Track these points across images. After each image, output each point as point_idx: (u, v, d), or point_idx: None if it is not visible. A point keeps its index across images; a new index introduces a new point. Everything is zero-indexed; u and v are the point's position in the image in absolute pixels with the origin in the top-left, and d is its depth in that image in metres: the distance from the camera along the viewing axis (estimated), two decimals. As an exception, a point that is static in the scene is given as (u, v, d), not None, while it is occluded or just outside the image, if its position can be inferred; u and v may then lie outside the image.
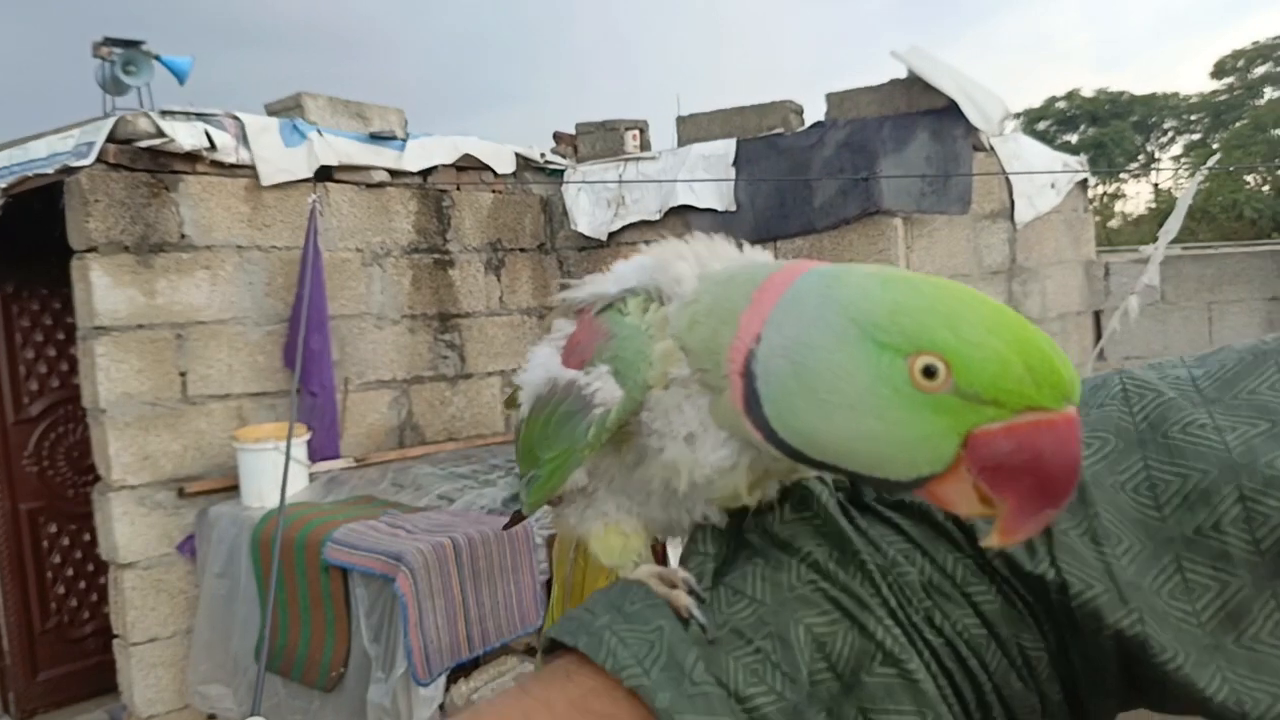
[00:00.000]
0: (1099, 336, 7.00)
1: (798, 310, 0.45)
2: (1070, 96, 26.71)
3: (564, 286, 0.60)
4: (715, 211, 5.03)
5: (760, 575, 0.50)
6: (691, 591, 0.49)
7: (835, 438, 0.45)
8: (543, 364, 0.56)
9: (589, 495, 0.56)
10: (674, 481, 0.51)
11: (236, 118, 4.37)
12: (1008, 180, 5.65)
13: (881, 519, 0.51)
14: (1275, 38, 24.89)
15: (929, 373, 0.42)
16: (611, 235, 5.43)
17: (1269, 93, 24.82)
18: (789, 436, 0.46)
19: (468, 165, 5.26)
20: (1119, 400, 0.52)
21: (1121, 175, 25.96)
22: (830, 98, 5.28)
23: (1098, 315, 7.18)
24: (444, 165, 5.13)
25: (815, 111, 5.39)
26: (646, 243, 0.57)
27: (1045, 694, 0.50)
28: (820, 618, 0.48)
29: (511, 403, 0.62)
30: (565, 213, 5.61)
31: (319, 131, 4.61)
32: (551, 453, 0.53)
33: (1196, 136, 26.45)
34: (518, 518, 0.66)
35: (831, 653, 0.47)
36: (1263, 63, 25.25)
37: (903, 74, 5.04)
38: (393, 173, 4.91)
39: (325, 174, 4.63)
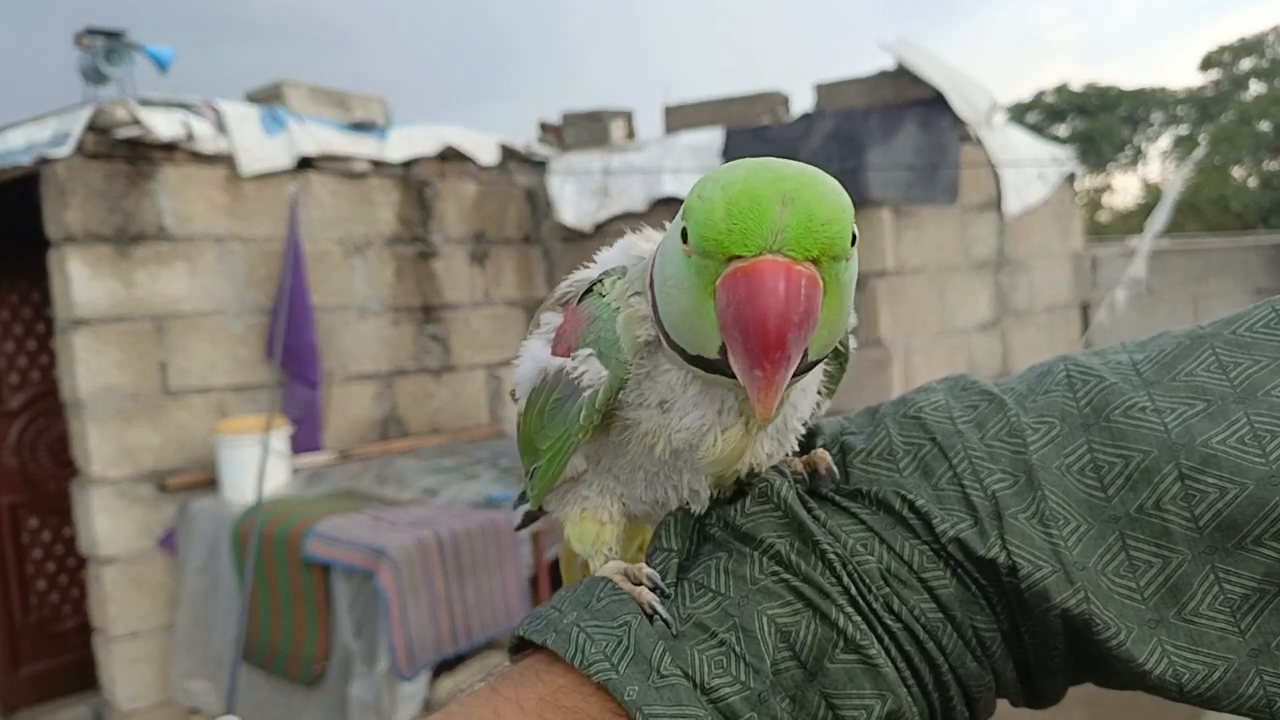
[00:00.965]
0: (1086, 328, 7.01)
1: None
2: (1059, 90, 26.75)
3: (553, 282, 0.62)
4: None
5: (723, 569, 0.51)
6: (655, 588, 0.51)
7: (673, 321, 0.47)
8: (533, 356, 0.56)
9: (578, 478, 0.57)
10: (655, 449, 0.52)
11: (215, 107, 4.32)
12: (995, 172, 5.65)
13: (840, 509, 0.53)
14: (1261, 32, 25.01)
15: (684, 237, 0.45)
16: (598, 226, 5.39)
17: (1255, 86, 24.92)
18: (670, 331, 0.48)
19: (451, 156, 5.22)
20: (1063, 386, 0.53)
21: (1110, 168, 26.06)
22: (818, 89, 5.26)
23: (1085, 307, 7.19)
24: (427, 156, 5.09)
25: (803, 102, 5.37)
26: (634, 231, 0.58)
27: (999, 672, 0.51)
28: (783, 608, 0.50)
29: (514, 396, 0.63)
30: (550, 204, 5.57)
31: (299, 120, 4.56)
32: (548, 441, 0.54)
33: (1184, 130, 26.55)
34: (530, 517, 0.66)
35: (795, 641, 0.49)
36: (1249, 56, 25.36)
37: (891, 65, 5.02)
38: (375, 163, 4.86)
39: (306, 164, 4.59)
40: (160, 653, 4.22)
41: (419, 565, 3.36)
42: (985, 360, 5.66)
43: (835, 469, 0.54)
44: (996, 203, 5.73)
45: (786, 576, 0.50)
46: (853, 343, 0.57)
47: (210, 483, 4.19)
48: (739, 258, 0.43)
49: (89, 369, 3.95)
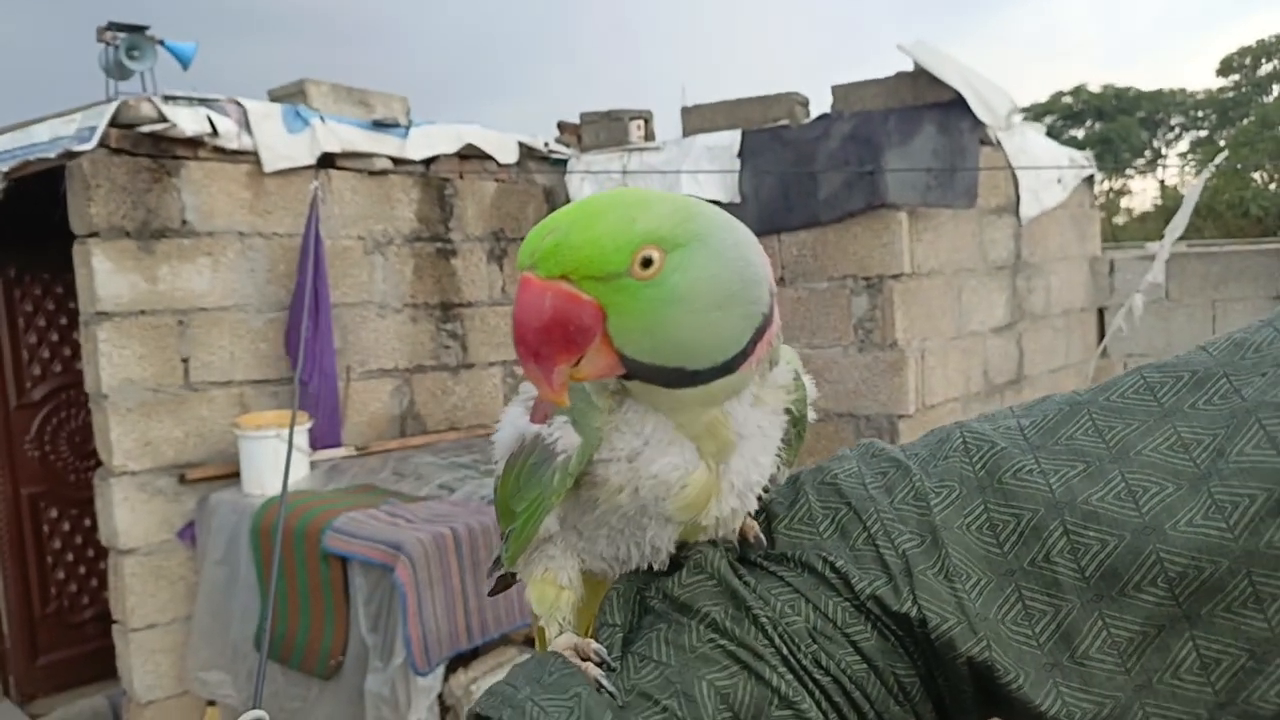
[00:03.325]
0: (1103, 334, 6.98)
1: None
2: (1077, 92, 26.62)
3: None
4: (719, 203, 5.01)
5: (664, 639, 0.55)
6: (602, 663, 0.54)
7: None
8: (512, 422, 0.60)
9: (549, 538, 0.59)
10: (624, 505, 0.55)
11: (239, 103, 4.36)
12: (1014, 175, 5.64)
13: (769, 573, 0.57)
14: (1283, 35, 24.81)
15: None
16: (615, 226, 5.40)
17: (1276, 90, 24.74)
18: None
19: (471, 154, 5.25)
20: (960, 453, 0.58)
21: (1128, 171, 25.91)
22: (836, 90, 5.26)
23: (1102, 312, 7.16)
24: (447, 154, 5.11)
25: (821, 104, 5.36)
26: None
27: (920, 714, 0.56)
28: (721, 673, 0.53)
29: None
30: (568, 202, 5.58)
31: (321, 118, 4.59)
32: (523, 504, 0.57)
33: (1203, 133, 26.39)
34: (503, 582, 0.68)
35: (734, 703, 0.52)
36: (1269, 60, 25.18)
37: (909, 67, 5.02)
38: (395, 160, 4.89)
39: (327, 161, 4.62)
40: (178, 644, 4.26)
41: (436, 560, 3.39)
42: (1001, 363, 5.65)
43: (763, 537, 0.58)
44: (1014, 206, 5.72)
45: (723, 643, 0.54)
46: (811, 414, 0.61)
47: (230, 476, 4.23)
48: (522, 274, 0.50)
49: (111, 362, 3.99)
